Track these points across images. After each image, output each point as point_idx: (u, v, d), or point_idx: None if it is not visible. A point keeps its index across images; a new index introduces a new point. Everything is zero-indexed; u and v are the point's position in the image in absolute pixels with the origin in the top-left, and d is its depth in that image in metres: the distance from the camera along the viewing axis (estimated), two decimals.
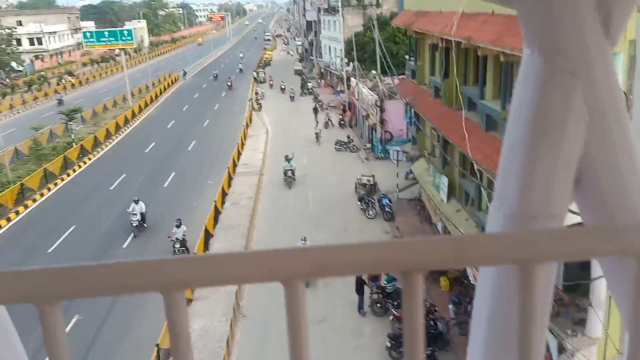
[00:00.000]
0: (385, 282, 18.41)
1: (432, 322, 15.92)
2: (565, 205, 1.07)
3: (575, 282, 10.27)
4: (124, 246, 24.16)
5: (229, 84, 65.64)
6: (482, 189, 14.62)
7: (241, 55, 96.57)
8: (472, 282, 14.82)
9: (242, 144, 39.87)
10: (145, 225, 25.36)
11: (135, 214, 24.59)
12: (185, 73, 79.16)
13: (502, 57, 12.16)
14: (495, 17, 12.96)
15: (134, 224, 24.75)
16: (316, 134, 40.84)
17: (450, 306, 17.14)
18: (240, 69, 79.90)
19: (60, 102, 61.90)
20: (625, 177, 1.06)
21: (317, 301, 19.20)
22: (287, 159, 32.40)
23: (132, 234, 24.96)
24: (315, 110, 49.35)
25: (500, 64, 13.05)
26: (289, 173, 32.17)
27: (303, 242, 19.67)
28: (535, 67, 1.07)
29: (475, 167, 14.11)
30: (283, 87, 62.71)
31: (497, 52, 12.60)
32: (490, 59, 14.02)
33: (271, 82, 69.80)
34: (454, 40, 15.03)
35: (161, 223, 25.95)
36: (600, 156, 1.06)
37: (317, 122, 45.18)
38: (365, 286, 18.27)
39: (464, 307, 16.34)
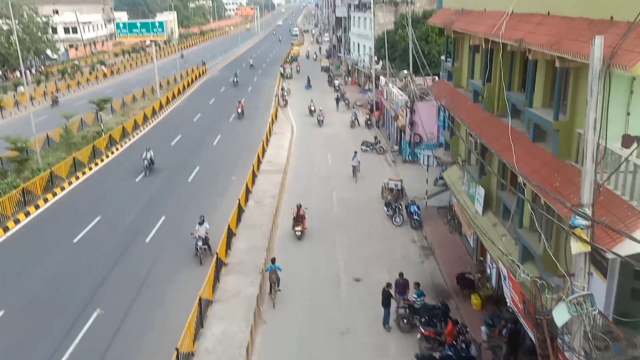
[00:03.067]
0: (415, 296, 17.46)
1: (463, 345, 14.91)
2: None
3: (635, 320, 9.26)
4: (146, 241, 23.73)
5: (239, 110, 48.54)
6: (524, 203, 13.59)
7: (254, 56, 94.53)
8: (508, 303, 13.77)
9: (267, 141, 39.23)
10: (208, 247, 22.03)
11: (200, 237, 21.88)
12: (204, 63, 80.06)
13: (557, 63, 11.10)
14: (552, 19, 11.87)
15: (198, 247, 21.79)
16: (353, 167, 32.03)
17: (483, 328, 16.02)
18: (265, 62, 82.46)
19: (182, 56, 77.87)
20: None
21: (340, 311, 18.42)
22: None
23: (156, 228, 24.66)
24: (337, 99, 53.80)
25: (554, 70, 11.98)
26: None
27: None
28: None
29: (519, 179, 13.09)
30: (312, 108, 49.96)
31: (551, 57, 11.55)
32: (542, 63, 12.94)
33: (298, 68, 77.18)
34: (501, 42, 14.00)
35: (185, 218, 25.45)
36: None
37: (338, 108, 52.41)
38: (392, 299, 17.34)
39: (499, 329, 15.25)
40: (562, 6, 11.81)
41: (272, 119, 45.88)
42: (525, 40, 12.35)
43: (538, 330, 10.21)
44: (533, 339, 11.08)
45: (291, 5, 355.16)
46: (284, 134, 42.74)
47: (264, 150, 36.57)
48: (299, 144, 40.56)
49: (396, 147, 38.05)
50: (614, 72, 9.18)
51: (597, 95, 8.88)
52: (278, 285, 19.03)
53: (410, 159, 35.04)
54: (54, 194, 29.52)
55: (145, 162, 32.70)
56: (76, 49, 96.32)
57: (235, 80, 67.16)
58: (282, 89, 59.91)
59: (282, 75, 71.05)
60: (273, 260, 19.66)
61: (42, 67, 77.89)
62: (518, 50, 13.83)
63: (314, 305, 18.78)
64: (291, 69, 74.97)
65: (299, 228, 24.13)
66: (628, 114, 10.82)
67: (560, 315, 8.89)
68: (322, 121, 46.58)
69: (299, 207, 24.45)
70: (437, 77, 33.93)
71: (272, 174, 32.61)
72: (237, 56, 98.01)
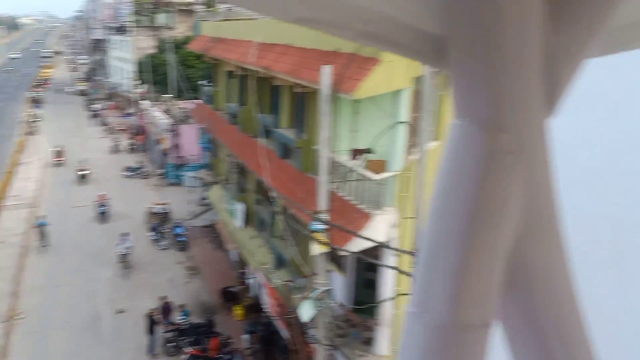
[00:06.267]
0: (183, 317, 17.27)
1: (228, 357, 15.31)
2: (495, 311, 0.84)
3: (368, 305, 10.84)
4: None
5: None
6: (276, 215, 14.76)
7: None
8: (266, 308, 14.71)
9: (12, 173, 34.66)
10: None
11: None
12: None
13: (296, 89, 12.50)
14: (293, 49, 13.32)
15: None
16: (122, 256, 22.57)
17: (245, 336, 16.74)
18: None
19: None
20: (557, 282, 0.87)
21: (102, 347, 17.21)
22: None
23: None
24: (94, 115, 55.06)
25: (295, 94, 13.42)
26: None
27: None
28: (468, 145, 0.80)
29: (272, 193, 14.22)
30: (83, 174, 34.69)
31: (291, 83, 12.93)
32: (285, 89, 14.36)
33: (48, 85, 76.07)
34: (252, 69, 15.09)
35: None
36: (533, 254, 0.85)
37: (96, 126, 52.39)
38: (155, 325, 16.88)
39: (258, 335, 16.09)
40: (299, 38, 13.35)
41: (19, 149, 40.67)
42: (270, 68, 13.60)
43: (290, 328, 11.18)
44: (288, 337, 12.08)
45: (41, 25, 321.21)
46: (34, 164, 38.24)
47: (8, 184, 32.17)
48: (55, 172, 36.72)
49: (161, 171, 37.27)
50: (340, 96, 10.75)
51: (327, 116, 10.31)
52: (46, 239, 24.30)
53: (175, 181, 34.68)
54: None
55: None
56: None
57: None
58: (32, 115, 53.70)
59: (33, 100, 63.81)
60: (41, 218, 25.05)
61: None
62: (266, 76, 15.09)
63: (71, 346, 17.17)
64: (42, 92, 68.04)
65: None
66: (356, 131, 12.74)
67: (306, 311, 9.93)
68: (105, 214, 28.39)
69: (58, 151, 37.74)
70: (200, 101, 34.54)
71: (21, 208, 28.93)
72: None
